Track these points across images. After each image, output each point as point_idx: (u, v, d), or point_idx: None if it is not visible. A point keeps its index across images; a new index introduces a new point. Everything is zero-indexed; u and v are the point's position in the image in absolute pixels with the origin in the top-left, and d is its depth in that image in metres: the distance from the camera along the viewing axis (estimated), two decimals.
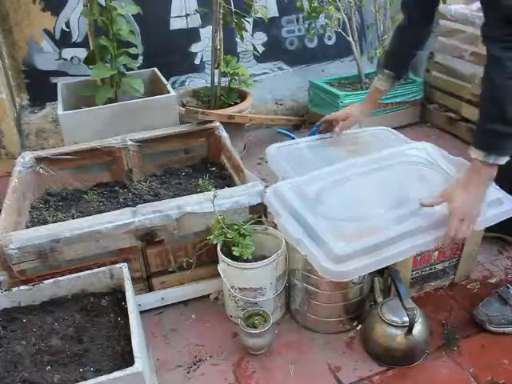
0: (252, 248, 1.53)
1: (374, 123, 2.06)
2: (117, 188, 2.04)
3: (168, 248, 1.63)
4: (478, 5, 2.65)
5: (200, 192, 1.84)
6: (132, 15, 2.71)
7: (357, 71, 2.90)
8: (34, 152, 1.98)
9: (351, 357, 1.50)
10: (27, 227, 1.71)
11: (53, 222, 1.73)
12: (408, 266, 1.62)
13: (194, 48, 3.03)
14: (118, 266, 1.35)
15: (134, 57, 2.64)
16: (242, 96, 2.68)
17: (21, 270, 1.47)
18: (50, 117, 2.79)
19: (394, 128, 2.04)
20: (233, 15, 2.45)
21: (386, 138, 1.96)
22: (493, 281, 1.77)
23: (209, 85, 2.63)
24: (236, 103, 2.60)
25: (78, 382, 1.07)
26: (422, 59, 2.95)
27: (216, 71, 2.54)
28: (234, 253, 1.51)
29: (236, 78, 2.65)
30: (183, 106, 2.48)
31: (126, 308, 1.24)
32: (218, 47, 2.47)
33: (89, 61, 2.29)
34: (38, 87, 2.77)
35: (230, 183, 1.96)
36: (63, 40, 2.74)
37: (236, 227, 1.56)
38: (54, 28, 2.71)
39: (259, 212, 1.66)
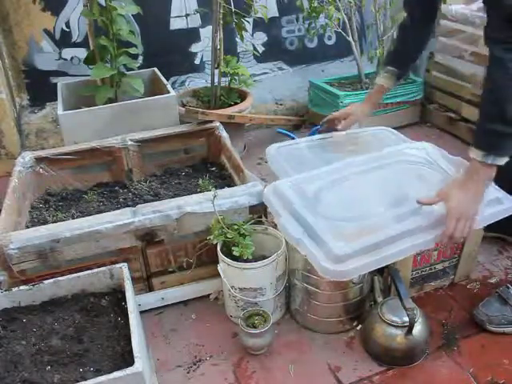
0: (252, 248, 1.53)
1: (374, 123, 2.06)
2: (117, 188, 2.04)
3: (168, 248, 1.63)
4: (478, 5, 2.65)
5: (200, 192, 1.84)
6: (132, 15, 2.71)
7: (357, 71, 2.90)
8: (34, 152, 1.98)
9: (351, 357, 1.50)
10: (27, 227, 1.71)
11: (53, 222, 1.73)
12: (408, 266, 1.62)
13: (193, 48, 3.03)
14: (117, 266, 1.35)
15: (134, 57, 2.64)
16: (242, 96, 2.68)
17: (21, 269, 1.47)
18: (50, 117, 2.79)
19: (394, 128, 2.04)
20: (233, 15, 2.45)
21: (386, 137, 1.96)
22: (493, 281, 1.77)
23: (209, 85, 2.63)
24: (236, 103, 2.60)
25: (78, 382, 1.07)
26: (422, 59, 2.94)
27: (216, 71, 2.54)
28: (234, 253, 1.51)
29: (236, 77, 2.65)
30: (183, 105, 2.49)
31: (126, 308, 1.24)
32: (218, 47, 2.47)
33: (89, 61, 2.29)
34: (38, 87, 2.77)
35: (230, 183, 1.96)
36: (63, 40, 2.74)
37: (236, 227, 1.56)
38: (53, 28, 2.71)
39: (259, 212, 1.66)
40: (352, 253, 1.32)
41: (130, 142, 2.04)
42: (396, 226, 1.39)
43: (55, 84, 2.50)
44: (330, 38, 3.32)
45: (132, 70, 2.47)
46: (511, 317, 1.54)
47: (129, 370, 1.04)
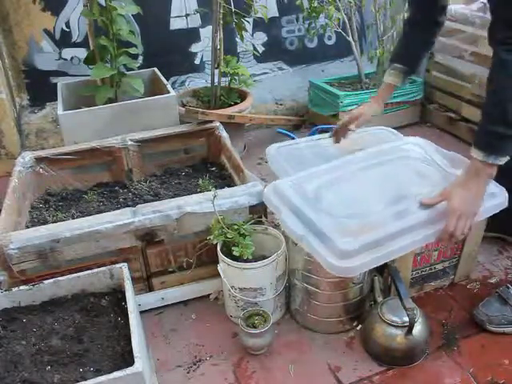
0: (252, 248, 1.53)
1: (374, 123, 2.05)
2: (117, 188, 2.04)
3: (168, 248, 1.63)
4: (478, 5, 2.65)
5: (200, 192, 1.84)
6: (132, 15, 2.71)
7: (357, 71, 2.91)
8: (34, 152, 1.98)
9: (351, 357, 1.50)
10: (27, 227, 1.71)
11: (53, 222, 1.73)
12: (408, 266, 1.62)
13: (193, 48, 3.03)
14: (118, 266, 1.35)
15: (134, 57, 2.65)
16: (242, 96, 2.68)
17: (21, 269, 1.47)
18: (50, 117, 2.79)
19: (394, 128, 2.04)
20: (233, 15, 2.45)
21: (386, 138, 1.95)
22: (493, 281, 1.77)
23: (209, 85, 2.63)
24: (236, 103, 2.60)
25: (78, 382, 1.07)
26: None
27: (216, 71, 2.54)
28: (234, 253, 1.51)
29: (236, 78, 2.65)
30: (183, 105, 2.49)
31: (126, 308, 1.24)
32: (218, 47, 2.47)
33: (89, 61, 2.29)
34: (38, 87, 2.77)
35: (230, 183, 1.96)
36: (63, 40, 2.74)
37: (236, 227, 1.56)
38: (54, 28, 2.71)
39: (259, 212, 1.66)
40: (358, 248, 1.32)
41: (129, 142, 2.04)
42: (396, 223, 1.39)
43: (55, 84, 2.50)
44: (330, 38, 3.32)
45: (132, 70, 2.47)
46: (511, 317, 1.54)
47: (129, 370, 1.04)
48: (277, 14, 3.13)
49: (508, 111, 1.26)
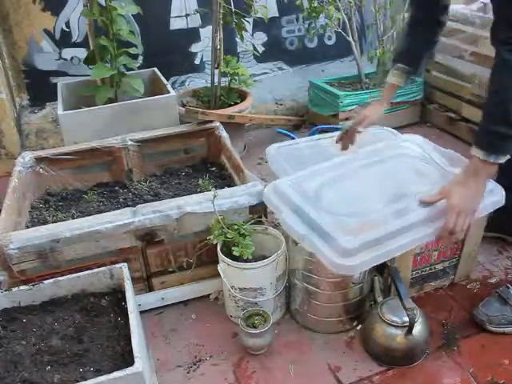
0: (252, 248, 1.53)
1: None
2: (117, 188, 2.04)
3: (168, 248, 1.63)
4: (478, 5, 2.65)
5: (200, 192, 1.84)
6: (132, 15, 2.71)
7: (357, 71, 2.91)
8: (34, 152, 1.99)
9: (351, 357, 1.50)
10: (27, 227, 1.71)
11: (53, 222, 1.73)
12: (408, 266, 1.62)
13: (194, 48, 3.03)
14: (118, 266, 1.35)
15: (134, 57, 2.65)
16: (242, 96, 2.68)
17: (21, 269, 1.47)
18: (50, 117, 2.79)
19: (394, 128, 2.04)
20: (233, 15, 2.45)
21: (386, 138, 1.95)
22: (493, 281, 1.77)
23: (209, 85, 2.63)
24: (236, 103, 2.60)
25: (78, 381, 1.07)
26: None
27: (216, 71, 2.54)
28: (234, 253, 1.51)
29: (236, 78, 2.65)
30: (183, 105, 2.49)
31: (126, 308, 1.24)
32: (218, 47, 2.47)
33: (89, 61, 2.29)
34: (38, 87, 2.77)
35: (230, 183, 1.96)
36: (63, 40, 2.75)
37: (236, 227, 1.56)
38: (54, 28, 2.71)
39: (259, 212, 1.66)
40: (360, 246, 1.32)
41: (130, 142, 2.04)
42: (397, 221, 1.39)
43: (55, 84, 2.50)
44: (330, 38, 3.32)
45: (132, 69, 2.47)
46: (511, 317, 1.54)
47: (129, 370, 1.04)
48: (277, 14, 3.13)
49: (510, 111, 1.26)
